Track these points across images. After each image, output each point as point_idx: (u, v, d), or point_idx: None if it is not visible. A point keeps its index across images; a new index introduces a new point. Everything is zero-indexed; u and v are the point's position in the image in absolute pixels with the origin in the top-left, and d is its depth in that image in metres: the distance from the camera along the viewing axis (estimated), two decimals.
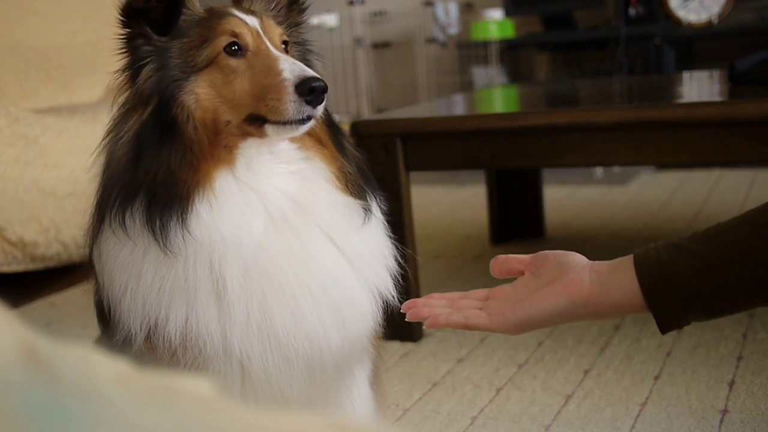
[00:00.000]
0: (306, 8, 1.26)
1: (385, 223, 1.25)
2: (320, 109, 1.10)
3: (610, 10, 4.36)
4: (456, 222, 3.29)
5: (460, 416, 1.58)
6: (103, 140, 1.15)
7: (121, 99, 1.14)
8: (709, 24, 3.70)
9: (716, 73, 2.52)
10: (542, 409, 1.58)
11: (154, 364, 1.11)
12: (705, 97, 2.17)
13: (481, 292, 1.11)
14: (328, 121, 1.21)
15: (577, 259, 1.06)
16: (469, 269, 2.57)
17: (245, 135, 1.11)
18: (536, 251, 1.10)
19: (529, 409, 1.58)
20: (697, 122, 1.69)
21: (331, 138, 1.20)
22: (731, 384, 1.62)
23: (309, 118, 1.10)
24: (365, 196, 1.19)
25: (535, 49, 4.62)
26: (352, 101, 5.05)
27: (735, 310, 1.02)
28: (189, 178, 1.07)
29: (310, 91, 1.06)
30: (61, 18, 3.35)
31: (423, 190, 3.83)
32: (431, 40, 4.84)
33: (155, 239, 1.06)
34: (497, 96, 2.71)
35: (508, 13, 4.41)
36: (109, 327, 1.16)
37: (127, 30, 1.12)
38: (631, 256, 1.03)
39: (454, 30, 4.69)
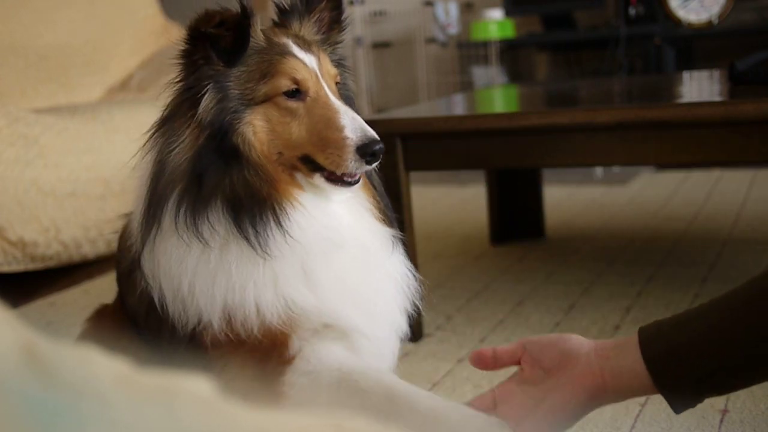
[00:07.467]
0: (346, 27, 1.31)
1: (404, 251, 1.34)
2: (374, 164, 1.18)
3: (610, 10, 4.37)
4: (456, 222, 3.29)
5: None
6: (149, 138, 1.18)
7: (170, 101, 1.17)
8: (709, 24, 3.70)
9: (716, 73, 2.51)
10: None
11: (212, 358, 1.16)
12: (705, 96, 2.17)
13: (486, 399, 1.04)
14: None
15: (578, 344, 1.01)
16: (469, 269, 2.56)
17: (294, 168, 1.18)
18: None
19: None
20: (697, 122, 1.69)
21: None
22: None
23: (359, 179, 1.19)
24: (394, 225, 1.29)
25: (535, 49, 4.62)
26: None
27: (746, 384, 0.98)
28: (272, 191, 1.14)
29: (372, 154, 1.14)
30: (61, 17, 3.35)
31: (423, 190, 3.83)
32: (431, 40, 4.84)
33: (250, 245, 1.12)
34: (497, 96, 2.71)
35: (508, 13, 4.41)
36: (152, 327, 1.23)
37: (190, 47, 1.14)
38: (636, 335, 1.00)
39: (454, 30, 4.69)
